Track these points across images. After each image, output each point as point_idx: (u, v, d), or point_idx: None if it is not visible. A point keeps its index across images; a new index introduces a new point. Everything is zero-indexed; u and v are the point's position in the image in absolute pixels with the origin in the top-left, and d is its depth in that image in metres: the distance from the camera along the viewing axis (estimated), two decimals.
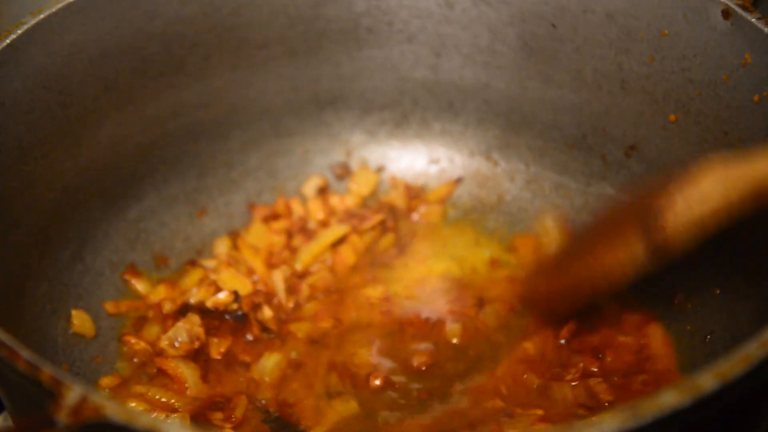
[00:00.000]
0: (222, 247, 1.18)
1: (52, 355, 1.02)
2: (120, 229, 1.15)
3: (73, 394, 0.64)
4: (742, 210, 0.80)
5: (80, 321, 1.06)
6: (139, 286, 1.13)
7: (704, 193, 0.81)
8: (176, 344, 1.04)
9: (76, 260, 1.10)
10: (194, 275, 1.14)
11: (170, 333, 1.05)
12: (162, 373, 1.03)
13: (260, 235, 1.18)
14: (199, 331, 1.06)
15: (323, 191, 1.25)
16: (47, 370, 0.67)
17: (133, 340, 1.06)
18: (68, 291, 1.08)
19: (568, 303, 1.01)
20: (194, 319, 1.07)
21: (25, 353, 0.69)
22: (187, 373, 1.02)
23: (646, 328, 1.04)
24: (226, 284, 1.11)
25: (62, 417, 0.63)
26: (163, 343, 1.05)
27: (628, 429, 0.62)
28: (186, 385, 1.02)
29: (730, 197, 0.80)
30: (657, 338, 1.03)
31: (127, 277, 1.13)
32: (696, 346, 1.02)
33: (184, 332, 1.05)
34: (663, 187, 0.83)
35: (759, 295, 0.95)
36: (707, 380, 0.64)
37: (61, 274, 1.07)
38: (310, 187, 1.25)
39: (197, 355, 1.05)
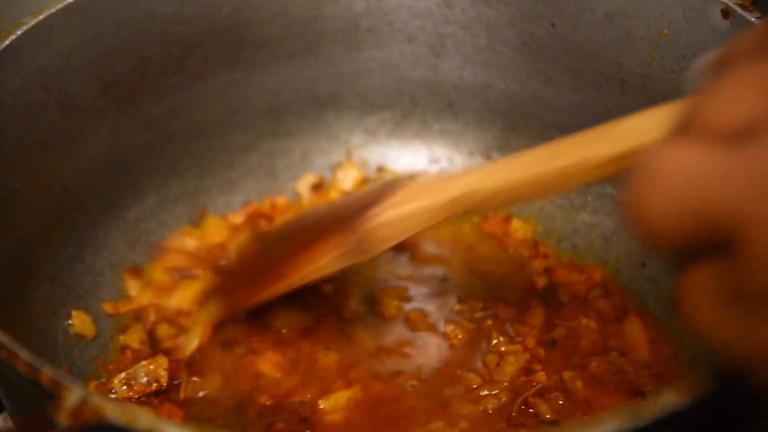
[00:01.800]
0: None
1: (52, 356, 1.02)
2: (120, 229, 1.15)
3: (73, 395, 0.64)
4: (440, 216, 0.86)
5: (80, 321, 1.06)
6: (131, 287, 1.13)
7: (406, 199, 0.86)
8: (131, 383, 1.00)
9: (77, 261, 1.10)
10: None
11: (130, 371, 1.01)
12: None
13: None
14: (162, 374, 1.01)
15: (318, 188, 1.25)
16: (47, 372, 0.67)
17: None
18: (68, 291, 1.08)
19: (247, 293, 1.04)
20: (161, 361, 1.02)
21: (25, 354, 0.69)
22: None
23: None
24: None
25: (62, 418, 0.63)
26: (114, 383, 1.00)
27: (628, 429, 0.62)
28: None
29: (431, 204, 0.85)
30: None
31: (125, 276, 1.13)
32: (696, 346, 1.02)
33: (143, 373, 1.01)
34: (363, 198, 0.89)
35: None
36: (707, 380, 0.64)
37: (61, 274, 1.07)
38: (304, 184, 1.25)
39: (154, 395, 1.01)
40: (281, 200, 1.24)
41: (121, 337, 1.07)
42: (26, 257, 1.02)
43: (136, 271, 1.14)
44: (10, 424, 0.96)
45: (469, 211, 0.85)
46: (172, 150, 1.19)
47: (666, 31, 1.04)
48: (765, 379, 0.53)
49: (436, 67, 1.23)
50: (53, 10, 1.01)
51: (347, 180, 1.25)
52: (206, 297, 1.09)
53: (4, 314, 0.93)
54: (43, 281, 1.04)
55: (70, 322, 1.06)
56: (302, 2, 1.18)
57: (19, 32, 0.98)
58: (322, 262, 0.93)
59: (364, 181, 1.26)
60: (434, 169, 1.26)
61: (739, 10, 0.96)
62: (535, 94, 1.18)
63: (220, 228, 1.19)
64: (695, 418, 0.66)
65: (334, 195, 1.25)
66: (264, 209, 1.23)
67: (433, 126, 1.27)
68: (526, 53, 1.16)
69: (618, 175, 0.75)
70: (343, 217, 0.91)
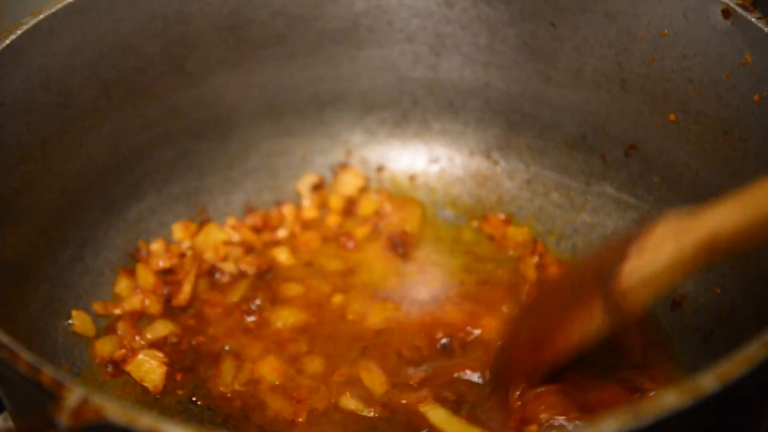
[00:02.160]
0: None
1: (53, 356, 1.02)
2: (120, 229, 1.15)
3: (73, 395, 0.64)
4: (695, 265, 0.79)
5: (80, 321, 1.06)
6: (122, 287, 1.12)
7: (657, 250, 0.79)
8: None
9: (77, 261, 1.10)
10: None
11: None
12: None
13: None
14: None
15: (318, 188, 1.25)
16: (48, 372, 0.67)
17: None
18: (68, 291, 1.08)
19: (530, 369, 0.97)
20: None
21: (26, 354, 0.69)
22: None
23: None
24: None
25: (63, 418, 0.63)
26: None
27: (629, 429, 0.62)
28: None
29: (683, 254, 0.78)
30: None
31: (121, 274, 1.13)
32: (696, 346, 1.02)
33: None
34: (618, 248, 0.82)
35: (759, 295, 0.95)
36: (707, 380, 0.64)
37: (61, 274, 1.07)
38: (305, 184, 1.25)
39: None
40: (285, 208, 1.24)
41: (97, 344, 1.07)
42: (26, 257, 1.02)
43: (131, 272, 1.14)
44: (10, 424, 0.96)
45: (722, 254, 0.78)
46: (172, 150, 1.19)
47: (666, 31, 1.04)
48: None
49: (436, 67, 1.23)
50: (53, 10, 1.01)
51: (349, 186, 1.25)
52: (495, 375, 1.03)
53: (4, 314, 0.93)
54: (43, 281, 1.04)
55: (70, 321, 1.06)
56: (303, 2, 1.17)
57: (19, 32, 0.98)
58: (580, 319, 0.87)
59: (365, 188, 1.26)
60: (434, 168, 1.27)
61: (739, 10, 0.96)
62: (535, 94, 1.18)
63: (215, 236, 1.18)
64: (695, 418, 0.66)
65: (334, 198, 1.24)
66: (262, 220, 1.22)
67: (433, 125, 1.27)
68: (526, 53, 1.16)
69: None
70: (598, 280, 0.84)
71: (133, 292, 1.11)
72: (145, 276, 1.13)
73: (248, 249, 1.18)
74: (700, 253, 0.77)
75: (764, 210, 0.75)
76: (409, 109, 1.27)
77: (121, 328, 1.08)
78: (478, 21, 1.18)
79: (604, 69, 1.11)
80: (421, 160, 1.28)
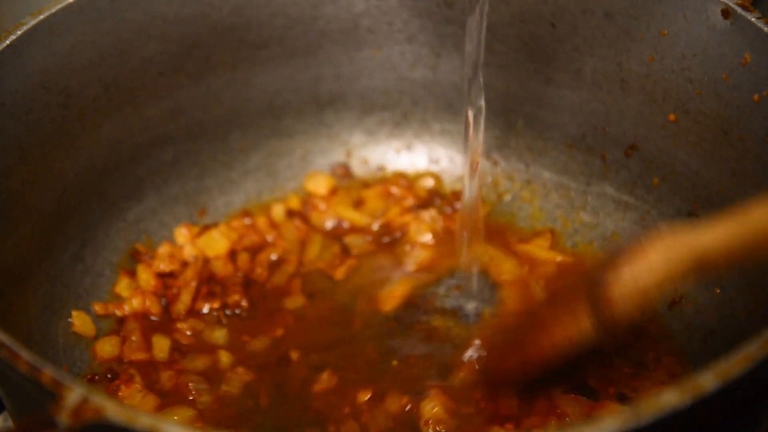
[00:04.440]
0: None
1: (53, 356, 1.02)
2: (120, 229, 1.15)
3: (73, 394, 0.64)
4: (684, 279, 0.81)
5: (80, 321, 1.06)
6: (122, 287, 1.12)
7: (650, 264, 0.81)
8: None
9: (77, 261, 1.10)
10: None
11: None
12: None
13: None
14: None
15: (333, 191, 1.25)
16: (48, 371, 0.67)
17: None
18: (68, 291, 1.08)
19: (518, 377, 0.99)
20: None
21: (26, 354, 0.69)
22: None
23: None
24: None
25: (63, 418, 0.63)
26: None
27: (629, 429, 0.62)
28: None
29: (673, 269, 0.80)
30: None
31: (122, 274, 1.13)
32: (696, 346, 1.02)
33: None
34: (610, 260, 0.83)
35: (759, 295, 0.95)
36: (707, 380, 0.64)
37: (61, 274, 1.07)
38: (317, 184, 1.25)
39: None
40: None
41: (97, 345, 1.06)
42: (26, 257, 1.02)
43: (132, 272, 1.13)
44: (10, 424, 0.96)
45: (710, 272, 0.81)
46: (172, 150, 1.19)
47: (666, 31, 1.04)
48: None
49: (435, 68, 1.23)
50: (53, 10, 1.01)
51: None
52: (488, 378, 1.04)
53: (4, 314, 0.93)
54: (43, 281, 1.04)
55: (70, 321, 1.06)
56: (302, 2, 1.18)
57: (19, 32, 0.98)
58: (571, 329, 0.88)
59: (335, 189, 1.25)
60: (434, 169, 1.27)
61: (739, 10, 0.96)
62: (535, 94, 1.18)
63: (217, 241, 1.18)
64: (695, 417, 0.66)
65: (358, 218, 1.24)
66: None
67: (433, 126, 1.27)
68: (526, 53, 1.16)
69: None
70: (591, 284, 0.85)
71: (135, 293, 1.11)
72: (146, 278, 1.12)
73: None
74: (689, 269, 0.79)
75: (756, 232, 0.76)
76: (409, 109, 1.27)
77: (129, 328, 1.08)
78: None
79: (604, 69, 1.11)
80: (421, 161, 1.28)
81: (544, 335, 0.91)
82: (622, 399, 0.98)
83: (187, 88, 1.17)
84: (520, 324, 0.99)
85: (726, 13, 0.97)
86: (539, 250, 1.16)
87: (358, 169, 1.27)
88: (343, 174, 1.26)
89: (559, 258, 1.14)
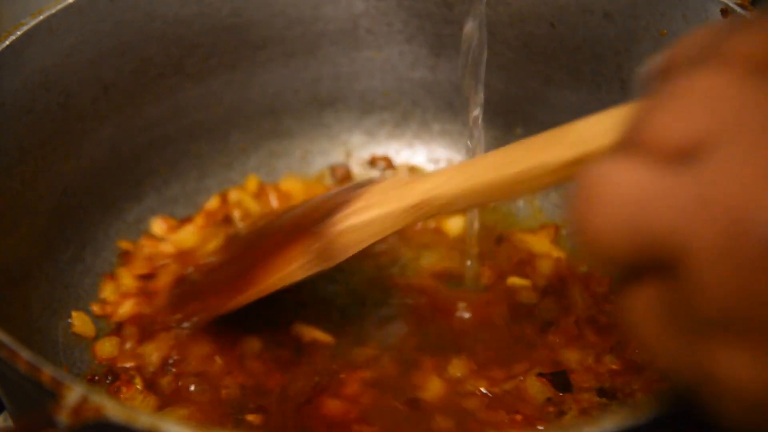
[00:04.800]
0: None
1: (53, 356, 1.02)
2: (120, 230, 1.15)
3: (73, 394, 0.64)
4: (405, 222, 0.86)
5: (80, 322, 1.06)
6: (107, 292, 1.11)
7: (369, 203, 0.87)
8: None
9: (77, 261, 1.10)
10: None
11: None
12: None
13: None
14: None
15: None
16: (47, 371, 0.67)
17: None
18: (68, 292, 1.08)
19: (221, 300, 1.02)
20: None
21: (26, 354, 0.69)
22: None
23: None
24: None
25: (63, 417, 0.63)
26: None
27: (629, 428, 0.62)
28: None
29: (393, 209, 0.86)
30: None
31: (105, 279, 1.12)
32: None
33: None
34: (334, 198, 0.89)
35: None
36: None
37: (61, 274, 1.07)
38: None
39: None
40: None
41: (97, 345, 1.06)
42: (26, 257, 1.02)
43: (114, 276, 1.12)
44: (10, 423, 0.96)
45: (431, 215, 0.86)
46: (172, 150, 1.20)
47: (666, 31, 1.04)
48: (708, 406, 0.51)
49: (435, 67, 1.23)
50: (53, 10, 1.02)
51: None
52: (173, 305, 1.07)
53: (4, 314, 0.93)
54: (43, 281, 1.04)
55: (70, 322, 1.06)
56: (302, 3, 1.18)
57: (19, 32, 0.98)
58: (288, 270, 0.92)
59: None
60: (434, 169, 1.27)
61: (738, 9, 0.96)
62: (535, 94, 1.18)
63: (191, 233, 1.17)
64: (695, 418, 0.66)
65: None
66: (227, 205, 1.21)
67: (433, 126, 1.27)
68: (526, 53, 1.16)
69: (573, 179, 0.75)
70: (308, 223, 0.91)
71: (120, 297, 1.10)
72: (127, 282, 1.11)
73: None
74: (409, 211, 0.85)
75: (478, 181, 0.81)
76: (409, 110, 1.27)
77: (126, 333, 1.06)
78: None
79: (604, 69, 1.11)
80: (421, 161, 1.28)
81: (260, 267, 0.95)
82: (603, 394, 0.98)
83: (187, 89, 1.17)
84: (236, 255, 1.04)
85: (725, 13, 0.97)
86: (540, 241, 1.16)
87: (357, 170, 1.27)
88: (343, 174, 1.26)
89: (556, 255, 1.14)
